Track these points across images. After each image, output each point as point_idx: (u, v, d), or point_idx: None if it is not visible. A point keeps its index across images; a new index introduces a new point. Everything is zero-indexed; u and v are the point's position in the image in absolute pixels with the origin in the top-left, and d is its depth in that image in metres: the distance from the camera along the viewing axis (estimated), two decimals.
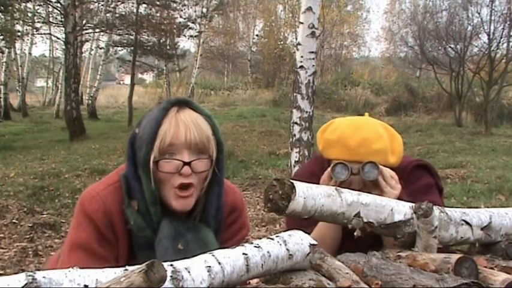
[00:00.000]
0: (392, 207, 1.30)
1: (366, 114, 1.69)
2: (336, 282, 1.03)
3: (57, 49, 24.04)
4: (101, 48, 19.77)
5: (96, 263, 1.24)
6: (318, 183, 1.52)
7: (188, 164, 1.25)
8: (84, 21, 16.26)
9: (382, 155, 1.53)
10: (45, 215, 5.13)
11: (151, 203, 1.27)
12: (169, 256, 1.21)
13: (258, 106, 20.32)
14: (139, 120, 1.35)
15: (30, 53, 21.50)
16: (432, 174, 1.68)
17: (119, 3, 17.24)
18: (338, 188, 1.29)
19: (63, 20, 12.87)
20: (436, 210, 1.25)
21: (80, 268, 1.19)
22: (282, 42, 27.98)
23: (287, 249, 1.03)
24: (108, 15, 16.92)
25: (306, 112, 6.26)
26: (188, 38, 20.04)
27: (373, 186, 1.52)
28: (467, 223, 1.32)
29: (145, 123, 1.29)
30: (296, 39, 6.87)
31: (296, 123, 6.27)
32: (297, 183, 1.19)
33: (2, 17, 13.93)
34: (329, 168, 1.53)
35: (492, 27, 15.09)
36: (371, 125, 1.58)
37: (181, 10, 18.36)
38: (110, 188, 1.32)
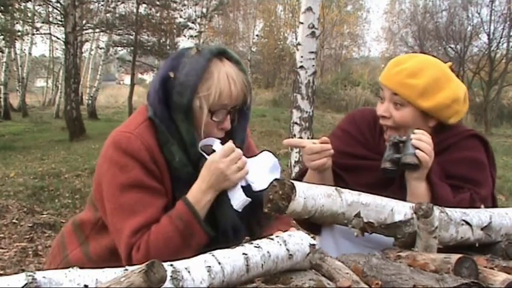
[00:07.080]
0: (392, 207, 1.30)
1: (449, 63, 1.54)
2: (336, 282, 1.03)
3: (57, 49, 24.05)
4: (101, 48, 19.77)
5: (153, 198, 1.28)
6: (355, 141, 1.59)
7: (230, 112, 1.35)
8: (84, 21, 16.26)
9: (411, 91, 1.43)
10: (45, 215, 5.13)
11: (190, 144, 1.32)
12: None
13: (258, 106, 20.26)
14: (171, 63, 1.34)
15: (30, 53, 21.52)
16: (488, 153, 1.52)
17: (119, 3, 17.24)
18: (338, 188, 1.29)
19: (63, 20, 12.86)
20: (436, 210, 1.25)
21: (141, 205, 1.26)
22: (282, 42, 28.00)
23: (287, 249, 1.03)
24: (108, 15, 16.91)
25: (306, 112, 6.26)
26: (188, 38, 19.94)
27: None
28: (467, 223, 1.32)
29: (188, 70, 1.31)
30: (296, 39, 6.87)
31: (296, 123, 6.27)
32: (297, 184, 1.19)
33: (2, 17, 13.92)
34: None
35: (492, 27, 15.16)
36: (428, 61, 1.48)
37: (181, 10, 18.35)
38: (142, 126, 1.32)
